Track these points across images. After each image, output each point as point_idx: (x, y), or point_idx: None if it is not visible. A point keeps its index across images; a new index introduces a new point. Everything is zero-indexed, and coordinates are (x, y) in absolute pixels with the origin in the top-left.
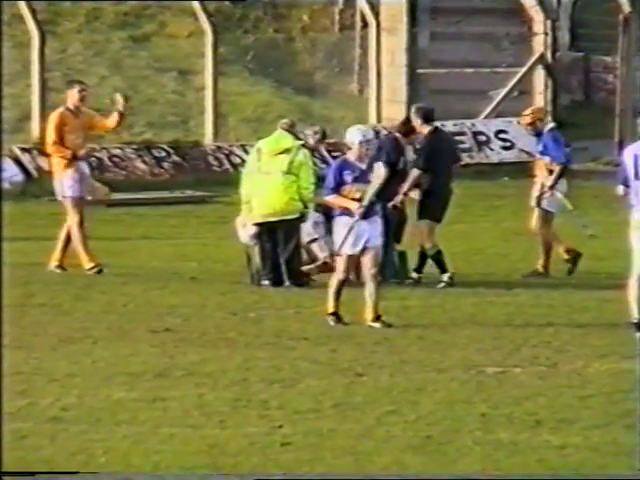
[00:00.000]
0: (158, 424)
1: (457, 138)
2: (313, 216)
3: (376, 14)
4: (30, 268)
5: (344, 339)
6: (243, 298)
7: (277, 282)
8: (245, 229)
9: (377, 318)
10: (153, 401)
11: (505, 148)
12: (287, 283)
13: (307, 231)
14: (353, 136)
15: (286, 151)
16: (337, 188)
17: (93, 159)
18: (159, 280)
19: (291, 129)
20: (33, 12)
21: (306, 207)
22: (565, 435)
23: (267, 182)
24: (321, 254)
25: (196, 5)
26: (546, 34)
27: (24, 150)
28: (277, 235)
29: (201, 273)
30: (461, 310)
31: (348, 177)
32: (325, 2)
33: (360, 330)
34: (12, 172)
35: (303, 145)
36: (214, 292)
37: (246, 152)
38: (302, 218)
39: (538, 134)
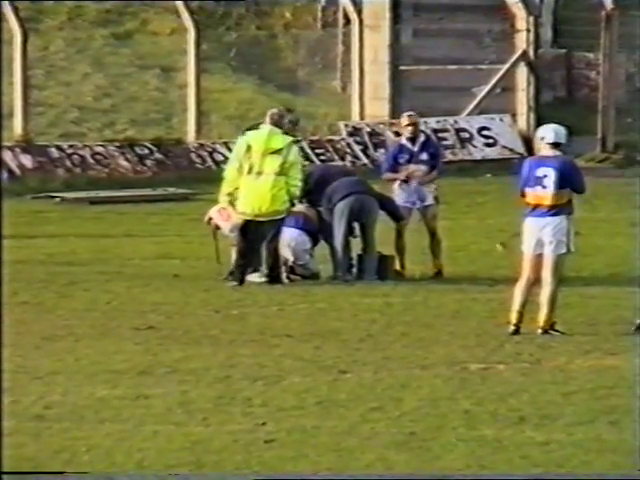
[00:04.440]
0: (141, 422)
1: (440, 135)
2: (305, 241)
3: (359, 11)
4: (13, 266)
5: (328, 336)
6: (226, 295)
7: (241, 277)
8: (227, 221)
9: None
10: (136, 399)
11: (488, 145)
12: (250, 278)
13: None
14: None
15: (278, 151)
16: None
17: (76, 156)
18: (142, 278)
19: (281, 120)
20: (15, 10)
21: (293, 205)
22: (549, 431)
23: (259, 183)
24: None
25: (178, 3)
26: (528, 31)
27: (6, 148)
28: (261, 232)
29: (184, 270)
30: (444, 307)
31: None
32: None
33: (344, 327)
34: None
35: (294, 142)
36: (197, 289)
37: (229, 149)
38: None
39: None
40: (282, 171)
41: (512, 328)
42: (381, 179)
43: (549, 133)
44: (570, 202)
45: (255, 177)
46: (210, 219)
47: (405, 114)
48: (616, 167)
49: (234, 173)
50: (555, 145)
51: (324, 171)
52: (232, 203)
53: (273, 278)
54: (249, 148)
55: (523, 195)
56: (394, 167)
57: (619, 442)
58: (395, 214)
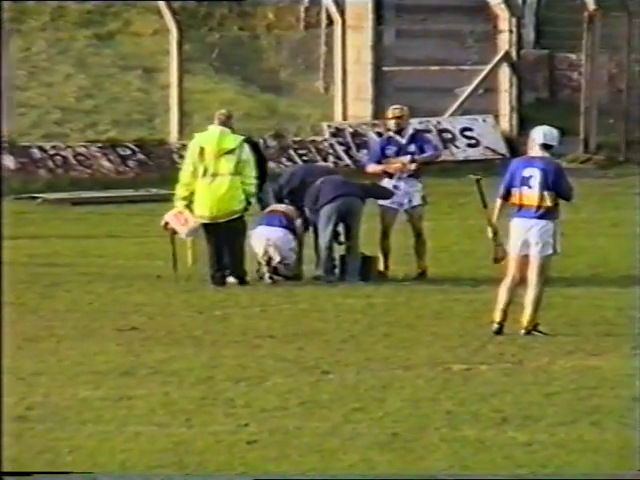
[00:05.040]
0: (124, 423)
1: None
2: (290, 240)
3: (341, 12)
4: None
5: (310, 337)
6: (209, 296)
7: (222, 282)
8: (184, 226)
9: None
10: (119, 400)
11: (470, 146)
12: (231, 280)
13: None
14: None
15: (231, 151)
16: None
17: (58, 157)
18: (125, 278)
19: (229, 121)
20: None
21: (249, 202)
22: (531, 432)
23: (215, 184)
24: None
25: (161, 3)
26: (511, 32)
27: None
28: (223, 233)
29: (167, 272)
30: (427, 307)
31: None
32: (291, 0)
33: (326, 328)
34: None
35: (245, 140)
36: (180, 290)
37: None
38: (245, 214)
39: None
40: (237, 170)
41: (496, 326)
42: (365, 176)
43: (539, 134)
44: (557, 205)
45: (211, 179)
46: (166, 223)
47: (391, 107)
48: (598, 168)
49: (189, 176)
50: (544, 147)
51: (307, 171)
52: (189, 207)
53: (241, 279)
54: (202, 150)
55: (505, 197)
56: (381, 160)
57: (601, 442)
58: (384, 196)
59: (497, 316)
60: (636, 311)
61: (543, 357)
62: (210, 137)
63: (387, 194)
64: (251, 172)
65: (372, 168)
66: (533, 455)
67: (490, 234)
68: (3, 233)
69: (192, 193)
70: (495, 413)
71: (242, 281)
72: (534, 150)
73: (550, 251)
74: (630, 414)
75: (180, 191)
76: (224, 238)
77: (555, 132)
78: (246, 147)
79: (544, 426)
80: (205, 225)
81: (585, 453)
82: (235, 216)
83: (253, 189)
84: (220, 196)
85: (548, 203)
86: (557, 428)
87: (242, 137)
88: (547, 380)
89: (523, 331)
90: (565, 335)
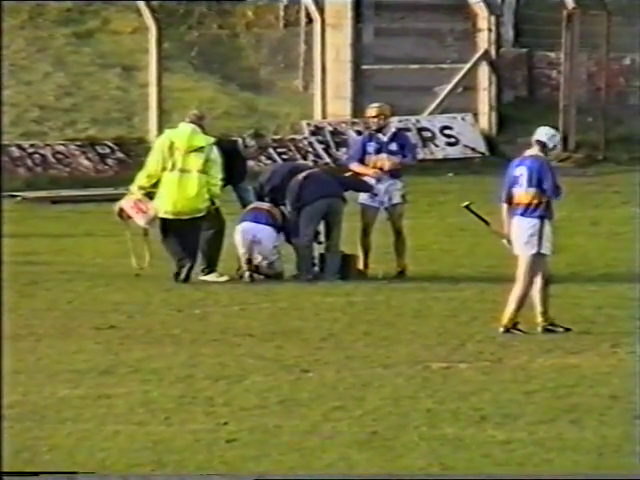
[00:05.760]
0: (103, 421)
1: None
2: (272, 237)
3: (321, 10)
4: None
5: (289, 335)
6: (188, 295)
7: (186, 275)
8: (144, 214)
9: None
10: (98, 398)
11: (450, 144)
12: (209, 277)
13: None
14: None
15: (200, 149)
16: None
17: (37, 156)
18: (104, 277)
19: (201, 121)
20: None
21: (213, 203)
22: (510, 430)
23: (182, 181)
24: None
25: (140, 2)
26: (490, 30)
27: None
28: (182, 230)
29: (145, 270)
30: (406, 306)
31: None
32: None
33: (305, 326)
34: None
35: (214, 142)
36: (159, 289)
37: None
38: (208, 214)
39: None
40: (204, 169)
41: (542, 326)
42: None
43: (537, 131)
44: (547, 204)
45: (179, 174)
46: (122, 210)
47: (372, 105)
48: (577, 166)
49: (156, 167)
50: (538, 143)
51: (288, 169)
52: (148, 196)
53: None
54: (172, 145)
55: (508, 200)
56: (362, 157)
57: (580, 440)
58: (363, 189)
59: (540, 319)
60: (614, 309)
61: (522, 355)
62: (181, 133)
63: (366, 187)
64: (217, 173)
65: (356, 167)
66: (512, 453)
67: (507, 245)
68: (2, 232)
69: (153, 185)
70: (474, 411)
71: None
72: (531, 149)
73: (533, 250)
74: (609, 412)
75: (142, 181)
76: (186, 235)
77: (553, 132)
78: (215, 148)
79: (523, 424)
80: (164, 220)
81: (564, 451)
82: (198, 214)
83: (218, 190)
84: (187, 192)
85: (535, 200)
86: (536, 426)
87: (212, 139)
88: (526, 378)
89: (502, 329)
90: (544, 333)
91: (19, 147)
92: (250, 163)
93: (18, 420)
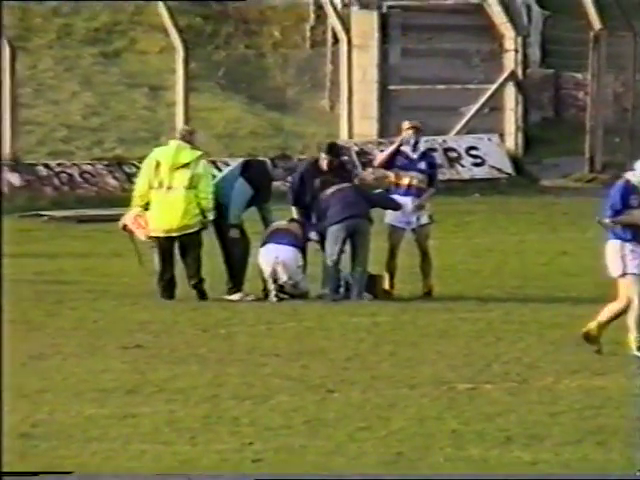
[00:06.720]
0: (129, 440)
1: None
2: (297, 258)
3: (347, 30)
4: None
5: (315, 355)
6: (214, 314)
7: (170, 294)
8: (144, 229)
9: None
10: (124, 417)
11: (476, 165)
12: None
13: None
14: None
15: (186, 165)
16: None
17: (64, 175)
18: (130, 296)
19: (191, 137)
20: (3, 27)
21: (205, 217)
22: (536, 451)
23: (169, 198)
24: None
25: (167, 21)
26: (517, 51)
27: None
28: (175, 248)
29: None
30: (432, 326)
31: (634, 202)
32: (296, 18)
33: (332, 346)
34: None
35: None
36: (185, 308)
37: (217, 168)
38: (202, 229)
39: None
40: (191, 184)
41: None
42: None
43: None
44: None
45: (165, 192)
46: (125, 226)
47: (406, 121)
48: (604, 187)
49: (144, 188)
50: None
51: (310, 165)
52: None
53: (201, 292)
54: (158, 164)
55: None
56: (391, 164)
57: (606, 462)
58: (391, 206)
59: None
60: None
61: (548, 376)
62: (166, 151)
63: (395, 205)
64: (207, 187)
65: (380, 161)
66: (538, 475)
67: None
68: (3, 250)
69: (147, 203)
70: (500, 432)
71: (202, 295)
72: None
73: (619, 271)
74: (636, 434)
75: (136, 201)
76: (182, 252)
77: None
78: (202, 162)
79: (549, 445)
80: (157, 238)
81: (590, 473)
82: (189, 231)
83: (209, 204)
84: (175, 209)
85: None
86: (562, 448)
87: (199, 153)
88: (552, 399)
89: (583, 333)
90: (570, 354)
91: (46, 166)
92: (276, 184)
93: (44, 439)
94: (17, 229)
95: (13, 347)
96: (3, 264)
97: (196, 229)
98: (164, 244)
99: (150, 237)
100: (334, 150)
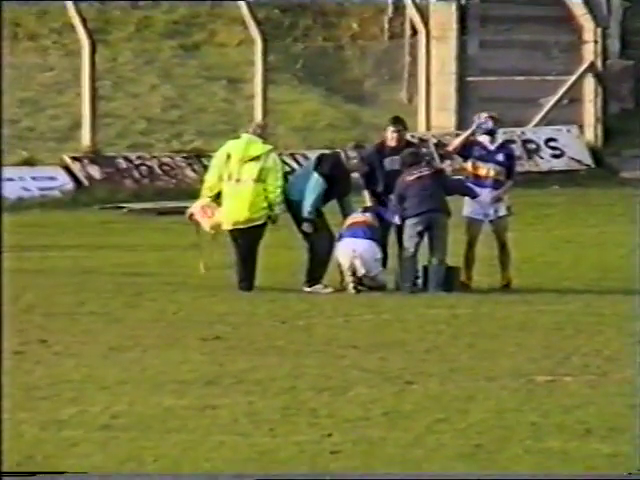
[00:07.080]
0: (208, 432)
1: None
2: (375, 251)
3: (425, 22)
4: (81, 276)
5: (393, 347)
6: (292, 306)
7: (249, 288)
8: (210, 218)
9: None
10: (203, 409)
11: (555, 156)
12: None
13: (370, 264)
14: None
15: (256, 158)
16: None
17: (143, 167)
18: (208, 288)
19: (263, 132)
20: (84, 21)
21: (272, 210)
22: (616, 444)
23: (238, 190)
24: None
25: (246, 13)
26: (596, 42)
27: (75, 159)
28: (246, 240)
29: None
30: (511, 318)
31: None
32: (375, 10)
33: (409, 338)
34: (63, 181)
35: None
36: (263, 300)
37: (296, 161)
38: (268, 222)
39: None
40: (260, 177)
41: None
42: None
43: None
44: None
45: (234, 184)
46: (192, 215)
47: (484, 112)
48: None
49: (214, 180)
50: None
51: (376, 148)
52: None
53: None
54: (228, 156)
55: None
56: (469, 151)
57: None
58: (468, 194)
59: None
60: None
61: (628, 369)
62: (237, 144)
63: (472, 193)
64: (275, 180)
65: (456, 144)
66: (618, 467)
67: None
68: (3, 243)
69: (217, 195)
70: (579, 425)
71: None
72: None
73: None
74: None
75: (205, 192)
76: (250, 244)
77: None
78: (272, 156)
79: (629, 438)
80: (229, 230)
81: None
82: (255, 223)
83: (277, 198)
84: (243, 201)
85: None
86: None
87: (269, 147)
88: (632, 392)
89: None
90: None
91: (126, 159)
92: (354, 175)
93: (124, 430)
94: (97, 221)
95: (93, 339)
96: (3, 259)
97: (262, 222)
98: (234, 236)
99: (215, 227)
100: (400, 122)
